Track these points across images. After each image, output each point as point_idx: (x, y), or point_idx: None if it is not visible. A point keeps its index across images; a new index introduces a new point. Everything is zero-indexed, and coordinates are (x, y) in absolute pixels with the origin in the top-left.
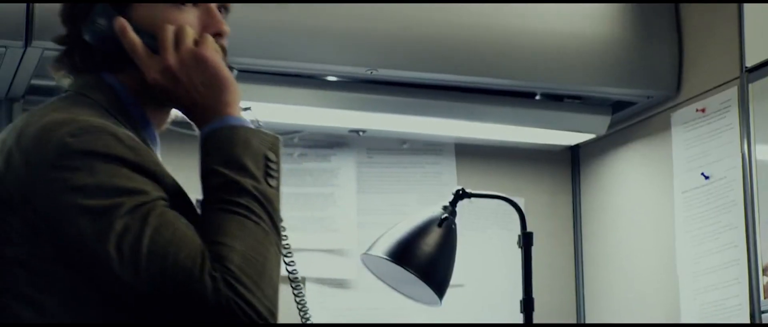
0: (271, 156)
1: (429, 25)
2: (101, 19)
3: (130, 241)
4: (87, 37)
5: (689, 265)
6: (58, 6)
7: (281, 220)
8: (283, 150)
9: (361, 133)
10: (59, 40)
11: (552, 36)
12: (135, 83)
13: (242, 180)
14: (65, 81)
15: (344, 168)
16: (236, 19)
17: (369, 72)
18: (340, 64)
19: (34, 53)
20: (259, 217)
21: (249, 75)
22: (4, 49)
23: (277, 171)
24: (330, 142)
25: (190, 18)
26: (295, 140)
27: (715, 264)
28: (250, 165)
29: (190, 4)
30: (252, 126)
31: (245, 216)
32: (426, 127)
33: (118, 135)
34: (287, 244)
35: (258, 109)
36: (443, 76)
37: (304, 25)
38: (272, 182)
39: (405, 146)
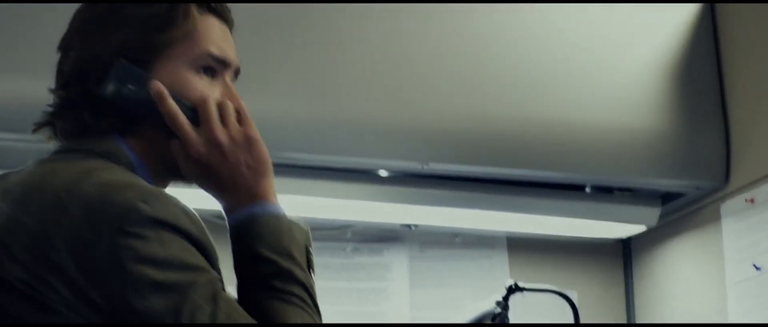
0: (310, 248)
1: (480, 119)
2: (130, 84)
3: (204, 320)
4: (109, 97)
5: None
6: None
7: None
8: (335, 244)
9: (413, 228)
10: (63, 97)
11: (601, 129)
12: (144, 149)
13: (295, 270)
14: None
15: (397, 262)
16: (288, 113)
17: (421, 166)
18: (392, 159)
19: None
20: (311, 309)
21: (301, 170)
22: None
23: (313, 263)
24: (382, 237)
25: (213, 90)
26: (348, 235)
27: None
28: (297, 256)
29: (206, 76)
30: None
31: (301, 307)
32: (478, 221)
33: (184, 207)
34: None
35: (310, 203)
36: (494, 169)
37: (355, 119)
38: (313, 274)
39: (457, 240)
